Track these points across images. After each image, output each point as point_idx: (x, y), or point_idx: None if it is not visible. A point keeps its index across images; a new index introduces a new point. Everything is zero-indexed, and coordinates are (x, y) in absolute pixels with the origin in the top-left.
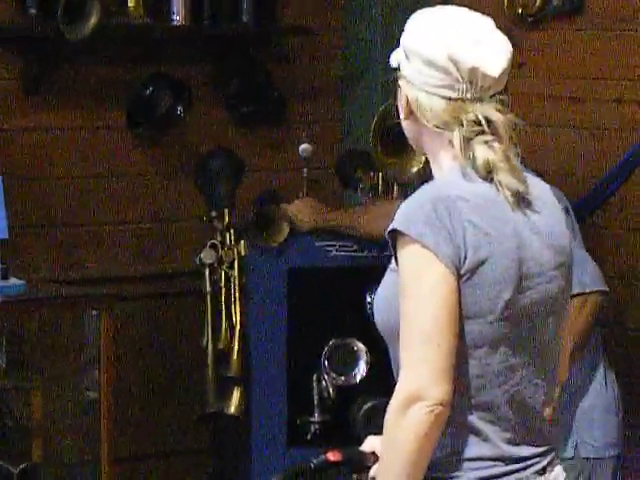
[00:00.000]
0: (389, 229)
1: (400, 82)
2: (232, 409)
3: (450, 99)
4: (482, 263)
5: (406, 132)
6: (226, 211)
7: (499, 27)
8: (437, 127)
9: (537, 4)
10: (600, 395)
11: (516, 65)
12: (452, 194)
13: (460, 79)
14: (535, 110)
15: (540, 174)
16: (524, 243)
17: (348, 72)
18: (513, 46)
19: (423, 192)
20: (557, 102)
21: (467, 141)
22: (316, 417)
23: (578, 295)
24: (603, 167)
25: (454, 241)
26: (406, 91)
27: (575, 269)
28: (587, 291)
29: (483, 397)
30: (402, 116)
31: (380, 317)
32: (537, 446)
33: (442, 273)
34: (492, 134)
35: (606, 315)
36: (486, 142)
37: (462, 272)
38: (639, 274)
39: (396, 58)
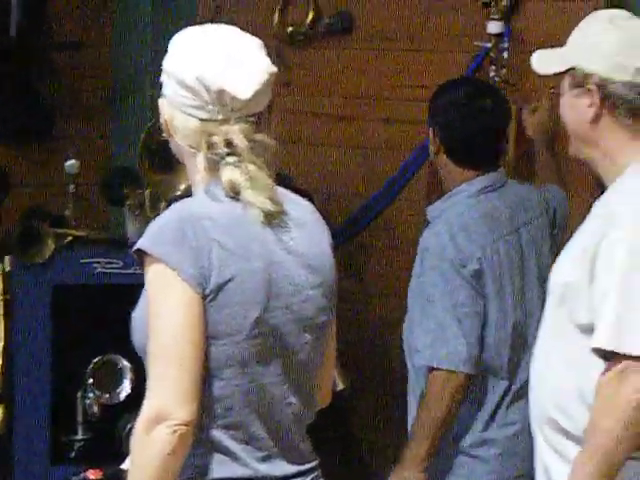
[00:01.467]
0: (134, 248)
1: (160, 101)
2: None
3: (201, 120)
4: (228, 282)
5: (172, 149)
6: None
7: (268, 46)
8: (190, 147)
9: (307, 23)
10: None
11: (284, 84)
12: (199, 213)
13: (209, 100)
14: (304, 129)
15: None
16: (275, 262)
17: (117, 88)
18: (282, 65)
19: (170, 212)
20: (326, 121)
21: (214, 162)
22: (80, 435)
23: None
24: (371, 186)
25: (199, 261)
26: (165, 110)
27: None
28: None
29: (233, 417)
30: (165, 134)
31: (136, 337)
32: (297, 464)
33: (186, 292)
34: (240, 155)
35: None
36: (232, 163)
37: (207, 292)
38: (403, 291)
39: (162, 77)
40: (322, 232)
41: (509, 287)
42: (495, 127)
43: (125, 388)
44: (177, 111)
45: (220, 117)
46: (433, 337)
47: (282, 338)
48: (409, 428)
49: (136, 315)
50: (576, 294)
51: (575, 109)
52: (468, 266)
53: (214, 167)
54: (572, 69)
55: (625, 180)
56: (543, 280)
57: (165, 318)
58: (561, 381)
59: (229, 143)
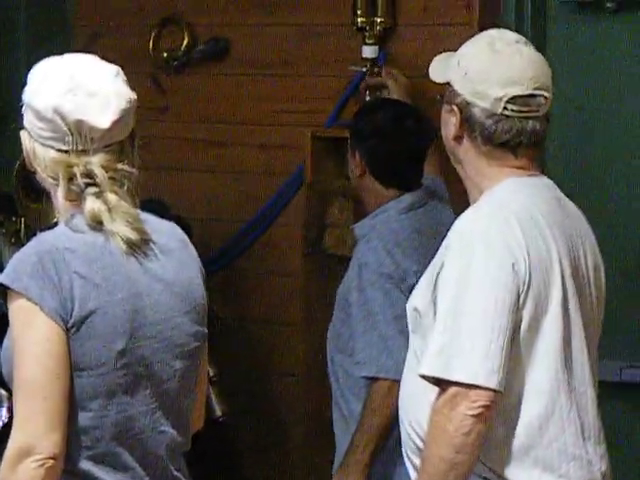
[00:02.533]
0: None
1: (21, 132)
2: None
3: (59, 151)
4: (90, 315)
5: (38, 180)
6: None
7: (143, 71)
8: (52, 178)
9: (182, 48)
10: None
11: (160, 109)
12: (59, 246)
13: (67, 131)
14: (179, 155)
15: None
16: (141, 291)
17: None
18: (159, 90)
19: (32, 245)
20: (202, 146)
21: (76, 194)
22: None
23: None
24: (248, 212)
25: (61, 294)
26: (25, 142)
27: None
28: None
29: (102, 448)
30: (29, 166)
31: (4, 369)
32: None
33: (48, 326)
34: (100, 185)
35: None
36: (93, 194)
37: (70, 325)
38: (280, 317)
39: (23, 109)
40: (191, 258)
41: None
42: (419, 147)
43: (2, 417)
44: (37, 143)
45: (79, 148)
46: (378, 349)
47: (151, 367)
48: (337, 441)
49: (4, 346)
50: (425, 320)
51: (445, 124)
52: (407, 280)
53: (76, 198)
54: (448, 83)
55: (469, 209)
56: None
57: (28, 352)
58: (416, 408)
59: (89, 174)
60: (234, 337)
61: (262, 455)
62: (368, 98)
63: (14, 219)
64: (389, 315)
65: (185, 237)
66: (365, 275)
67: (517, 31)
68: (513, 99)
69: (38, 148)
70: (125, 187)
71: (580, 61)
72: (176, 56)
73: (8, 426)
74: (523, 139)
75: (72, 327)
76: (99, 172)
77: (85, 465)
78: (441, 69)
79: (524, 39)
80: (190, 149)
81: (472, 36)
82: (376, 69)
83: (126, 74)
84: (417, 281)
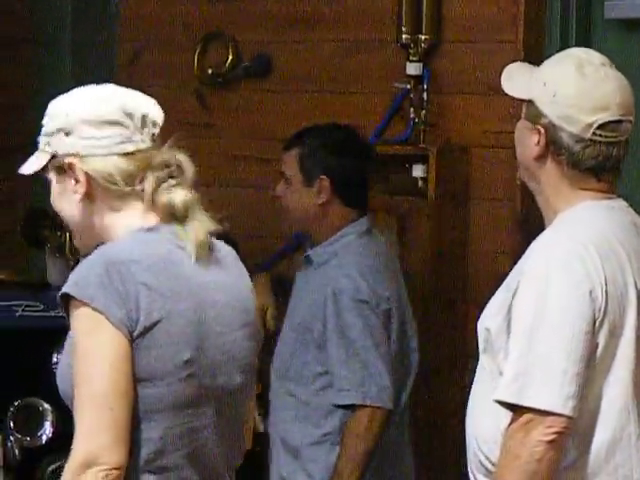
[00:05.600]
0: (60, 293)
1: (68, 161)
2: None
3: (126, 154)
4: (156, 324)
5: (73, 218)
6: None
7: (188, 87)
8: (126, 188)
9: (227, 65)
10: None
11: (204, 125)
12: (124, 257)
13: (133, 129)
14: (222, 170)
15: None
16: (205, 303)
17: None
18: (202, 106)
19: (96, 255)
20: (245, 162)
21: (156, 192)
22: (1, 478)
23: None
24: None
25: (126, 304)
26: (76, 171)
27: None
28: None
29: (164, 460)
30: (67, 204)
31: (61, 383)
32: None
33: (113, 336)
34: (178, 177)
35: None
36: (175, 185)
37: (135, 334)
38: None
39: (51, 142)
40: (244, 274)
41: (410, 326)
42: (371, 166)
43: (46, 431)
44: (95, 159)
45: (144, 146)
46: (362, 376)
47: (215, 379)
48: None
49: (62, 363)
50: (497, 342)
51: (523, 141)
52: (381, 305)
53: (150, 200)
54: (530, 101)
55: (546, 232)
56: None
57: (92, 362)
58: (484, 427)
59: (168, 166)
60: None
61: None
62: (412, 115)
63: (59, 234)
64: (369, 341)
65: (236, 254)
66: (342, 302)
67: (561, 48)
68: (602, 125)
69: (98, 164)
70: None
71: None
72: (220, 72)
73: (52, 440)
74: (607, 164)
75: (138, 337)
76: (182, 159)
77: (146, 477)
78: (522, 85)
79: (609, 61)
80: (233, 165)
81: (517, 53)
82: (420, 86)
83: (170, 90)
84: (390, 307)
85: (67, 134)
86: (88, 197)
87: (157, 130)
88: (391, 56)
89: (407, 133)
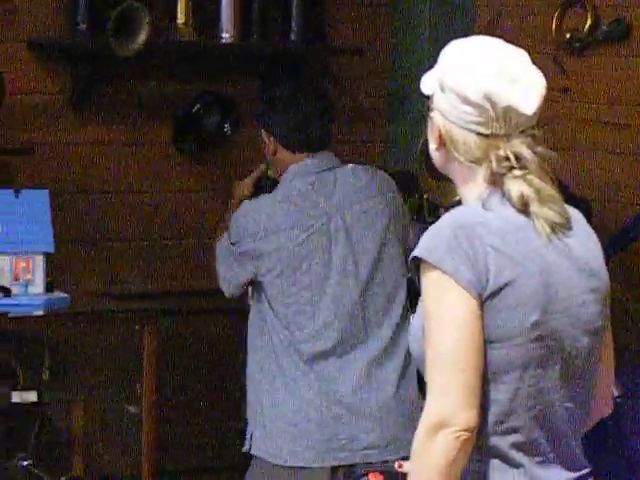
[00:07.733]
0: (411, 257)
1: (433, 114)
2: None
3: (482, 135)
4: (505, 286)
5: (435, 160)
6: None
7: (545, 52)
8: (469, 161)
9: (585, 29)
10: None
11: (561, 90)
12: (472, 221)
13: (494, 117)
14: (579, 135)
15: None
16: (550, 266)
17: (394, 92)
18: (560, 71)
19: (444, 220)
20: (601, 127)
21: (499, 176)
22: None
23: None
24: None
25: (475, 266)
26: (439, 123)
27: None
28: None
29: (512, 422)
30: (433, 145)
31: (414, 347)
32: (572, 470)
33: (463, 298)
34: (523, 168)
35: None
36: (518, 176)
37: (485, 296)
38: None
39: (429, 86)
40: (593, 238)
41: None
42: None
43: None
44: (454, 125)
45: (502, 132)
46: None
47: (561, 342)
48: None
49: (414, 325)
50: None
51: None
52: None
53: (492, 180)
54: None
55: None
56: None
57: (443, 324)
58: None
59: (516, 157)
60: (630, 319)
61: None
62: None
63: (416, 196)
64: None
65: (583, 217)
66: None
67: None
68: None
69: (455, 130)
70: (544, 170)
71: None
72: (579, 37)
73: None
74: None
75: (487, 299)
76: (528, 154)
77: (494, 439)
78: None
79: None
80: (591, 130)
81: None
82: None
83: (528, 54)
84: None
85: (441, 89)
86: (443, 149)
87: (522, 120)
88: None
89: None
